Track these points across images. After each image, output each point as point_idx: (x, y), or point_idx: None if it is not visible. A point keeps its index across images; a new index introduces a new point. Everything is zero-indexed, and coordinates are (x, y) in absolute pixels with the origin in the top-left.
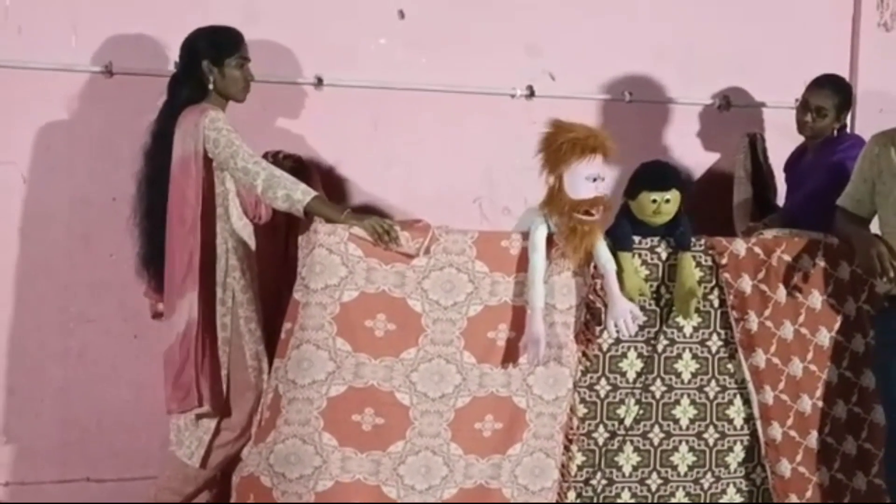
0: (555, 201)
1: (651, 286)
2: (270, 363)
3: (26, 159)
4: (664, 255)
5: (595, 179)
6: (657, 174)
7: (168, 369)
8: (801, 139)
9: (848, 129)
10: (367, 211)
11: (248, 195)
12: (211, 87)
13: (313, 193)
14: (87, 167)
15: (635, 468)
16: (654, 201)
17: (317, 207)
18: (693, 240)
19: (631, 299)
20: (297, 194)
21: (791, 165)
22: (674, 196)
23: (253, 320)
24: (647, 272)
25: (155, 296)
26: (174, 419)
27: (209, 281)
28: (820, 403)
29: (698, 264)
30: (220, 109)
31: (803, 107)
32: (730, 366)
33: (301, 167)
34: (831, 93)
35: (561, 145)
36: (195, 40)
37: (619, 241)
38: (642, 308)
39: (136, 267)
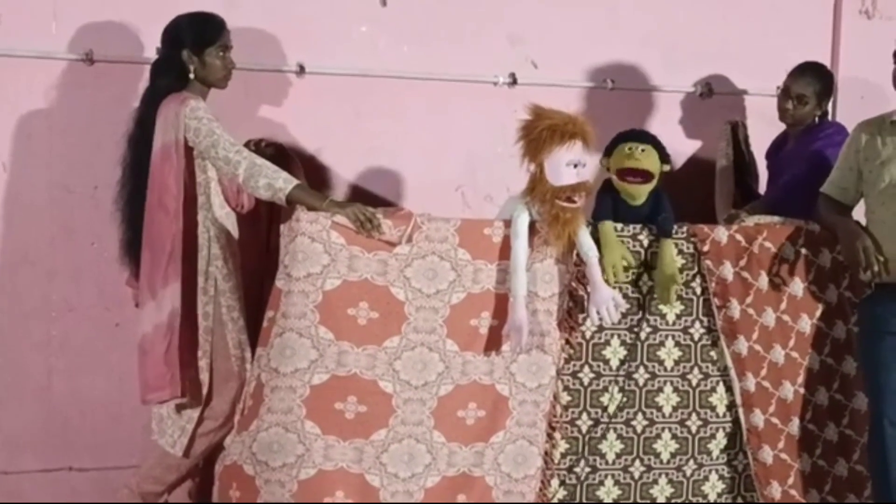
0: (536, 189)
1: (633, 273)
2: (253, 352)
3: (6, 148)
4: (646, 243)
5: (576, 165)
6: (632, 131)
7: (144, 359)
8: (782, 127)
9: (829, 117)
10: (350, 199)
11: (230, 184)
12: (192, 75)
13: (295, 182)
14: (68, 155)
15: (618, 455)
16: (630, 149)
17: (299, 196)
18: (675, 227)
19: (614, 266)
20: (278, 183)
21: (773, 153)
22: (649, 150)
23: (235, 309)
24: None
25: (137, 284)
26: (156, 408)
27: (191, 270)
28: (801, 390)
29: (680, 251)
30: (200, 98)
31: (785, 94)
32: (712, 353)
33: (283, 155)
34: (813, 80)
35: (540, 133)
36: (176, 28)
37: (599, 214)
38: (625, 296)
39: (119, 254)
